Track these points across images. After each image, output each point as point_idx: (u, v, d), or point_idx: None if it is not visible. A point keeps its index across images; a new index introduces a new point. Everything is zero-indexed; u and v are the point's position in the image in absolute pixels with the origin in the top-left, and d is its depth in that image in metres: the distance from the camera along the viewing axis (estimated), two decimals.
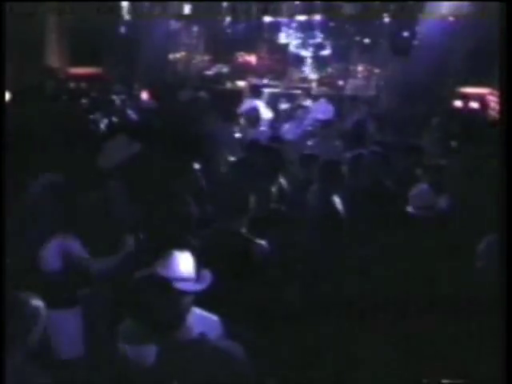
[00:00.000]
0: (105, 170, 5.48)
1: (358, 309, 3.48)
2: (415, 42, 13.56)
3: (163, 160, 5.94)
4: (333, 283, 3.70)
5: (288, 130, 8.71)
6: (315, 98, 11.70)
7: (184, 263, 3.42)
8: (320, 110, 9.02)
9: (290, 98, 11.91)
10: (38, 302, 2.92)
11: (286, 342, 3.64)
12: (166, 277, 2.97)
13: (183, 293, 2.91)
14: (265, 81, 14.23)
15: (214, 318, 3.30)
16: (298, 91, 12.95)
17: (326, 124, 8.13)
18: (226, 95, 11.52)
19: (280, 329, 3.68)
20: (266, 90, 12.69)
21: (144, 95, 10.58)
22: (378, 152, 6.16)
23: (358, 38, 14.57)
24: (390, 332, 3.43)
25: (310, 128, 8.44)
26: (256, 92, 10.72)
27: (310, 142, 7.72)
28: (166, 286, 2.91)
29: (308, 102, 10.65)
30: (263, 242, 4.08)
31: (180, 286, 2.94)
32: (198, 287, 3.21)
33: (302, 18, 15.06)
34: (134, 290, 3.07)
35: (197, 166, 5.80)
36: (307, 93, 12.69)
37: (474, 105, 11.54)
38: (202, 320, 3.12)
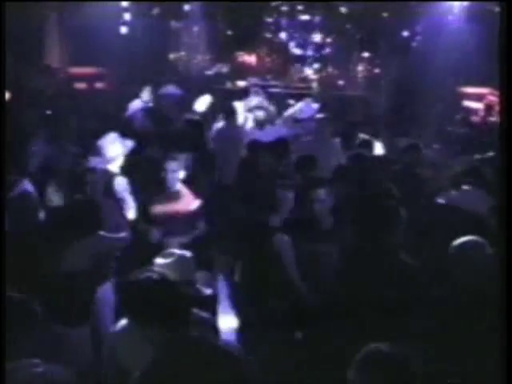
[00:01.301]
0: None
1: (362, 309, 3.49)
2: (415, 42, 13.57)
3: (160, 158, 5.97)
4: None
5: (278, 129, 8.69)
6: (314, 97, 11.69)
7: (184, 263, 3.41)
8: (303, 109, 9.01)
9: (291, 97, 11.90)
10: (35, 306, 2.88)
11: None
12: (166, 277, 2.97)
13: (183, 293, 2.91)
14: (265, 81, 14.23)
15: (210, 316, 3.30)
16: (298, 91, 12.95)
17: (307, 123, 8.15)
18: (226, 95, 11.50)
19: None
20: (266, 90, 12.68)
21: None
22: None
23: (357, 38, 14.57)
24: (390, 333, 3.43)
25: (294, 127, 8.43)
26: (256, 92, 10.70)
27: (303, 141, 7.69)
28: (165, 285, 2.90)
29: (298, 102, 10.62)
30: (285, 236, 4.25)
31: (180, 286, 2.94)
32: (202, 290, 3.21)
33: (302, 17, 15.06)
34: (133, 289, 3.05)
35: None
36: (307, 93, 12.68)
37: (474, 104, 11.53)
38: (201, 320, 3.12)
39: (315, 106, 9.21)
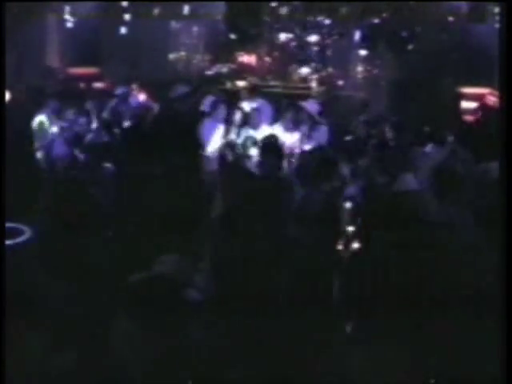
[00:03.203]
0: None
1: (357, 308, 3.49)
2: (415, 42, 13.57)
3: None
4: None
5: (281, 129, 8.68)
6: (315, 97, 11.69)
7: (179, 267, 3.41)
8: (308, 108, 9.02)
9: (290, 97, 11.90)
10: None
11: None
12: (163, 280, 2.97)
13: (179, 296, 2.91)
14: (265, 81, 14.23)
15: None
16: (298, 91, 12.95)
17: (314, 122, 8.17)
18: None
19: None
20: (266, 90, 12.68)
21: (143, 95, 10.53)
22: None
23: (357, 38, 14.57)
24: (389, 331, 3.43)
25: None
26: (256, 92, 10.68)
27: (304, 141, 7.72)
28: (161, 288, 2.90)
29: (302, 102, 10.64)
30: None
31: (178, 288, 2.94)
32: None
33: (302, 18, 15.06)
34: (130, 291, 3.06)
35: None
36: (307, 93, 12.68)
37: (474, 105, 11.53)
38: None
39: (318, 105, 9.25)
